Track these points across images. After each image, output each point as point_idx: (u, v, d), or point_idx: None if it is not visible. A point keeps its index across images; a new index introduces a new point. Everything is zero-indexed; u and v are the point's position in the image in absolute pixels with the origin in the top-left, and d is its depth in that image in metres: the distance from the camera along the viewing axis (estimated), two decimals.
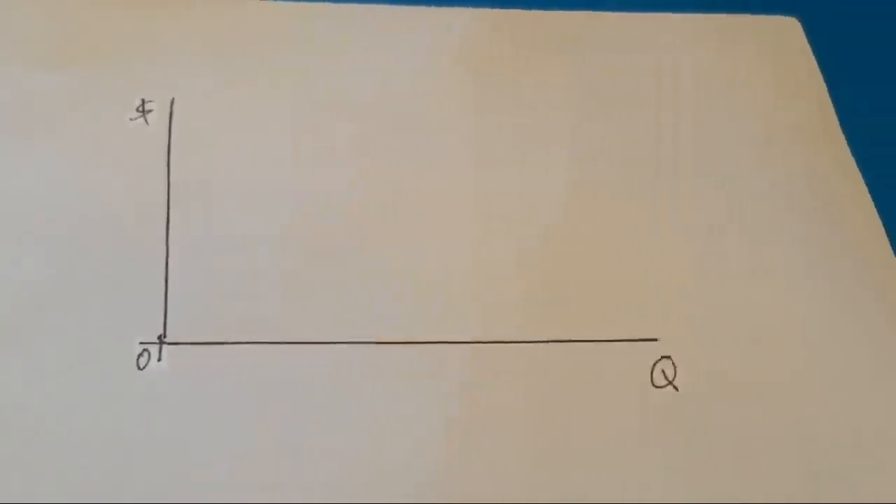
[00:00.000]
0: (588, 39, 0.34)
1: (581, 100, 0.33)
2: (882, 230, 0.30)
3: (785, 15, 0.36)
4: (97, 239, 0.28)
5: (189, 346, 0.26)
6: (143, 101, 0.31)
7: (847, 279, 0.29)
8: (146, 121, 0.30)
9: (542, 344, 0.27)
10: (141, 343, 0.26)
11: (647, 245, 0.29)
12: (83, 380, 0.25)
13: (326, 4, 0.34)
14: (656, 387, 0.27)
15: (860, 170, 0.32)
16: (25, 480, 0.24)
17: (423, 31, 0.34)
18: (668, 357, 0.27)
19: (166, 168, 0.29)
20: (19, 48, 0.32)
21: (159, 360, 0.26)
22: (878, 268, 0.29)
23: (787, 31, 0.35)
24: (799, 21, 0.36)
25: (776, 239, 0.30)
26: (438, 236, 0.29)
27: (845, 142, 0.32)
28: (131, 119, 0.30)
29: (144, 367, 0.26)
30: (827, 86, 0.34)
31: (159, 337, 0.26)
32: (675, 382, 0.27)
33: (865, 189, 0.31)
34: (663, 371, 0.27)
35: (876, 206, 0.31)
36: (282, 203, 0.29)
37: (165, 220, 0.28)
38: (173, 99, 0.31)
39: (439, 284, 0.28)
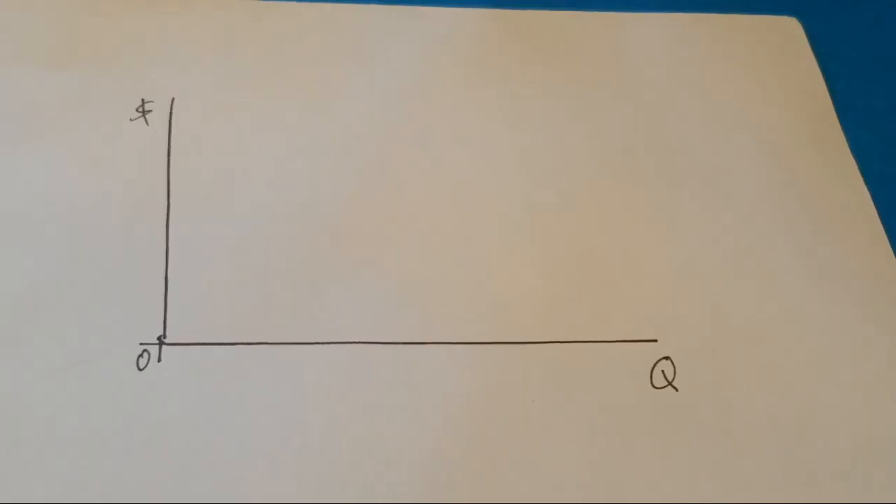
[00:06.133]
0: (587, 39, 0.34)
1: (580, 100, 0.33)
2: (882, 230, 0.30)
3: (785, 15, 0.36)
4: (97, 239, 0.28)
5: (189, 346, 0.26)
6: (143, 101, 0.31)
7: (847, 279, 0.29)
8: (146, 121, 0.30)
9: (542, 345, 0.27)
10: (141, 344, 0.26)
11: (647, 247, 0.29)
12: (83, 380, 0.25)
13: (325, 5, 0.34)
14: (656, 388, 0.27)
15: (860, 170, 0.32)
16: (25, 480, 0.24)
17: (423, 31, 0.34)
18: (668, 358, 0.27)
19: (166, 168, 0.29)
20: (20, 49, 0.32)
21: (159, 360, 0.26)
22: (878, 268, 0.29)
23: (787, 31, 0.35)
24: (799, 21, 0.36)
25: (775, 239, 0.30)
26: (438, 238, 0.29)
27: (845, 142, 0.32)
28: (131, 119, 0.30)
29: (144, 368, 0.26)
30: (827, 86, 0.34)
31: (159, 338, 0.26)
32: (675, 383, 0.27)
33: (865, 189, 0.31)
34: (663, 372, 0.27)
35: (876, 206, 0.31)
36: (282, 203, 0.29)
37: (165, 220, 0.28)
38: (173, 99, 0.31)
39: (439, 286, 0.28)
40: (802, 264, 0.29)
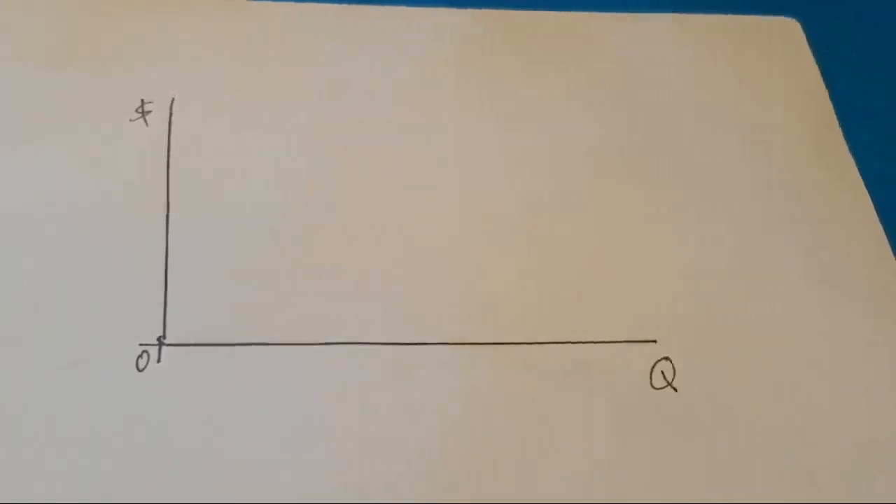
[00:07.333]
0: (586, 40, 0.34)
1: (580, 101, 0.33)
2: (882, 230, 0.30)
3: (785, 15, 0.36)
4: (97, 240, 0.28)
5: (188, 347, 0.26)
6: (143, 102, 0.31)
7: (846, 280, 0.29)
8: (146, 121, 0.30)
9: (541, 345, 0.27)
10: (140, 344, 0.26)
11: (646, 247, 0.29)
12: (83, 381, 0.25)
13: (325, 5, 0.34)
14: (655, 388, 0.27)
15: (860, 170, 0.32)
16: (25, 480, 0.24)
17: (423, 31, 0.34)
18: (667, 358, 0.27)
19: (166, 168, 0.29)
20: (20, 49, 0.32)
21: (159, 361, 0.26)
22: (878, 268, 0.29)
23: (787, 32, 0.35)
24: (799, 21, 0.36)
25: (775, 240, 0.30)
26: (438, 238, 0.29)
27: (845, 142, 0.32)
28: (131, 119, 0.30)
29: (144, 369, 0.26)
30: (827, 86, 0.34)
31: (159, 338, 0.26)
32: (674, 384, 0.27)
33: (865, 189, 0.31)
34: (662, 372, 0.27)
35: (876, 206, 0.31)
36: (281, 203, 0.29)
37: (165, 220, 0.28)
38: (173, 99, 0.31)
39: (438, 286, 0.28)
40: (802, 265, 0.29)
